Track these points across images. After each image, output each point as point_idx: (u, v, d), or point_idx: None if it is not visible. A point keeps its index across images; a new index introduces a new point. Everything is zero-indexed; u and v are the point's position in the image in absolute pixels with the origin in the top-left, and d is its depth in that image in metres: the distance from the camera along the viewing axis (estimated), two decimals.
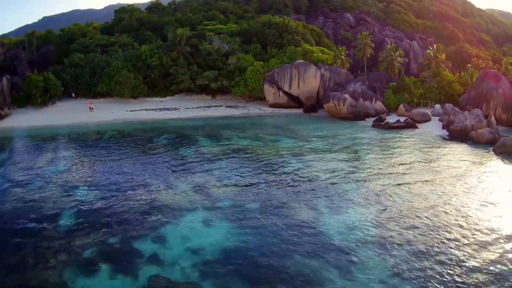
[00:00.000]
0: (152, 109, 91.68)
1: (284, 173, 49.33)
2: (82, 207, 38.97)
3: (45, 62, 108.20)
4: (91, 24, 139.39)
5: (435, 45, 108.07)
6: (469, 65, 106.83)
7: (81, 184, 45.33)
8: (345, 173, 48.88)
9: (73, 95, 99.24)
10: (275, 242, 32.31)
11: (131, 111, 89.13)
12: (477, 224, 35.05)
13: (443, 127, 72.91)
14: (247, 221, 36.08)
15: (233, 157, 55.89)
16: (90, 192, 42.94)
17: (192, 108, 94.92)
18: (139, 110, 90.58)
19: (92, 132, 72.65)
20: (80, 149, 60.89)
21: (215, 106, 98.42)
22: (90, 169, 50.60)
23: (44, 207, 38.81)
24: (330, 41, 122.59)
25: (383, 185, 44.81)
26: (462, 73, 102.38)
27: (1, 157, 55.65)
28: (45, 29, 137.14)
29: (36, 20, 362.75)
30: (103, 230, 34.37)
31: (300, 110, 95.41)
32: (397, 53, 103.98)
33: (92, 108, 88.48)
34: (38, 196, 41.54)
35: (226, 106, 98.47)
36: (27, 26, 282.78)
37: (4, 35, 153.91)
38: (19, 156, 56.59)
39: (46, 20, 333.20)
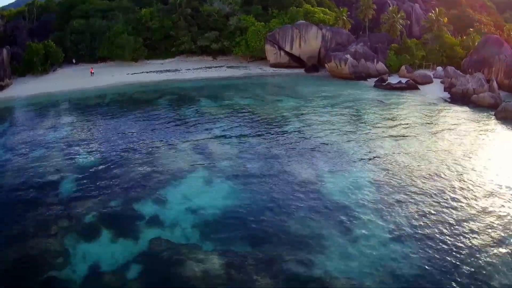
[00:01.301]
0: (153, 71, 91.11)
1: (285, 132, 49.52)
2: (83, 172, 38.93)
3: (46, 31, 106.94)
4: None
5: (437, 8, 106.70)
6: (471, 29, 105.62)
7: (82, 149, 45.30)
8: (346, 133, 48.97)
9: (74, 61, 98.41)
10: (276, 202, 32.58)
11: (132, 74, 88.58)
12: (476, 187, 35.08)
13: (445, 90, 72.41)
14: (248, 181, 36.33)
15: (234, 117, 56.05)
16: (91, 156, 42.97)
17: (193, 69, 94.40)
18: (140, 72, 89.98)
19: (93, 96, 72.27)
20: (81, 114, 60.79)
21: (216, 67, 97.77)
22: (90, 134, 50.60)
23: (45, 174, 38.65)
24: (332, 2, 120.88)
25: (384, 146, 44.89)
26: (464, 37, 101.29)
27: (2, 127, 55.30)
28: None
29: None
30: (104, 194, 34.45)
31: (302, 70, 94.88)
32: (399, 15, 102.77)
33: (93, 73, 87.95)
34: (39, 163, 41.23)
35: (227, 67, 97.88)
36: None
37: (3, 7, 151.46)
38: (20, 125, 56.10)
39: None
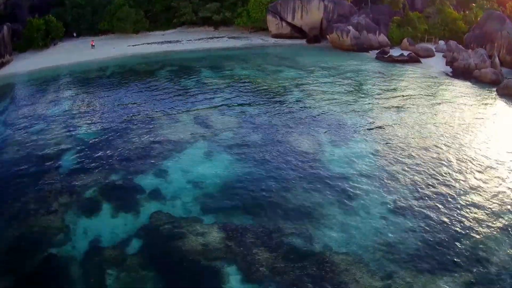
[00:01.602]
0: (154, 43, 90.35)
1: (285, 103, 49.34)
2: (83, 146, 38.75)
3: (47, 6, 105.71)
4: None
5: None
6: (473, 4, 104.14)
7: (82, 121, 45.08)
8: (347, 105, 48.68)
9: (75, 34, 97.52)
10: (276, 174, 32.46)
11: (133, 45, 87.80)
12: (475, 160, 35.02)
13: (447, 64, 71.47)
14: (248, 152, 36.28)
15: (235, 87, 55.72)
16: (91, 130, 42.71)
17: (195, 40, 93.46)
18: (141, 44, 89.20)
19: (94, 69, 71.71)
20: (81, 87, 60.37)
21: (218, 37, 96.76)
22: (91, 106, 50.32)
23: (45, 149, 38.34)
24: None
25: (384, 117, 44.71)
26: (467, 12, 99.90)
27: (3, 103, 54.94)
28: None
29: None
30: (105, 168, 34.31)
31: (303, 41, 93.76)
32: None
33: (93, 45, 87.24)
34: (39, 138, 40.95)
35: (229, 37, 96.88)
36: None
37: None
38: (21, 100, 55.65)
39: None
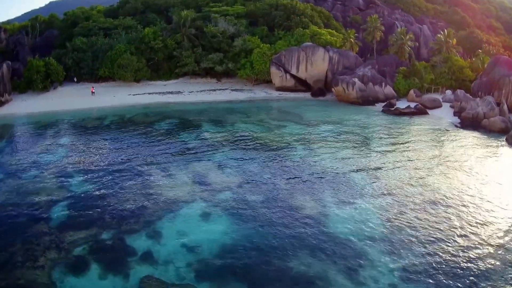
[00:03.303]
0: (155, 93, 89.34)
1: (289, 162, 47.49)
2: (76, 199, 37.52)
3: (48, 47, 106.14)
4: (95, 7, 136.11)
5: (446, 30, 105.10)
6: (480, 50, 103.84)
7: (76, 173, 43.66)
8: (353, 163, 47.04)
9: (75, 79, 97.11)
10: (277, 241, 30.62)
11: (133, 95, 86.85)
12: (490, 222, 33.57)
13: (455, 114, 70.87)
14: (248, 216, 34.38)
15: (237, 144, 53.94)
16: (85, 182, 41.27)
17: (196, 91, 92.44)
18: (142, 94, 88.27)
19: (93, 118, 70.46)
20: (78, 136, 58.96)
21: (220, 89, 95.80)
22: (86, 158, 48.78)
23: (37, 199, 37.36)
24: (339, 24, 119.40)
25: (393, 176, 43.04)
26: (474, 59, 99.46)
27: None
28: (50, 13, 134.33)
29: (42, 5, 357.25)
30: (96, 224, 33.03)
31: (308, 94, 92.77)
32: (407, 37, 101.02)
33: (94, 92, 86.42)
34: (32, 187, 40.09)
35: (232, 90, 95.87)
36: (33, 11, 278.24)
37: (9, 21, 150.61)
38: (16, 144, 54.91)
39: (53, 4, 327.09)
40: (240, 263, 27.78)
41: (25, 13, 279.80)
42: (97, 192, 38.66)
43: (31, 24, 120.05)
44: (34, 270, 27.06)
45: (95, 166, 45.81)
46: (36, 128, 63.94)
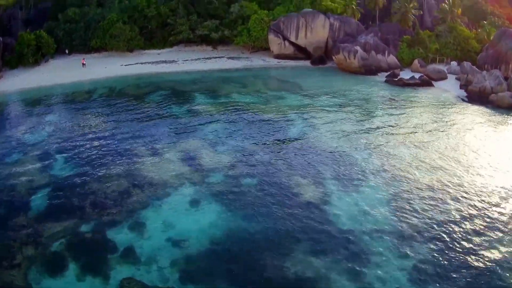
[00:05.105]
0: (149, 63, 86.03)
1: (287, 138, 45.16)
2: (56, 185, 35.37)
3: (42, 19, 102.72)
4: None
5: None
6: (485, 22, 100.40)
7: (60, 155, 41.31)
8: (355, 139, 44.72)
9: (67, 51, 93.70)
10: (273, 233, 28.42)
11: (125, 65, 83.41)
12: (497, 205, 32.06)
13: (461, 87, 68.05)
14: (241, 202, 32.11)
15: (230, 118, 51.40)
16: (68, 165, 38.99)
17: (191, 60, 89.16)
18: (135, 64, 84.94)
19: (82, 91, 67.42)
20: (66, 112, 56.24)
21: (216, 57, 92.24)
22: (71, 137, 46.13)
23: (17, 186, 35.30)
24: None
25: (397, 155, 40.85)
26: (479, 30, 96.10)
27: None
28: None
29: None
30: (76, 215, 31.03)
31: (307, 62, 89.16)
32: (411, 5, 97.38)
33: (85, 64, 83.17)
34: (13, 172, 37.87)
35: (228, 58, 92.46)
36: None
37: None
38: (1, 124, 52.01)
39: None
40: (231, 262, 25.69)
41: None
42: (78, 178, 36.28)
43: None
44: (11, 270, 25.58)
45: (79, 146, 43.27)
46: (24, 105, 61.42)
